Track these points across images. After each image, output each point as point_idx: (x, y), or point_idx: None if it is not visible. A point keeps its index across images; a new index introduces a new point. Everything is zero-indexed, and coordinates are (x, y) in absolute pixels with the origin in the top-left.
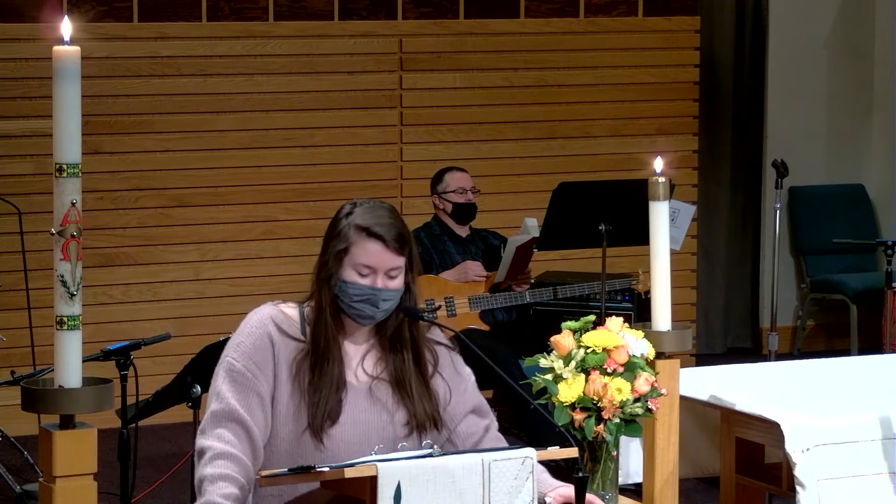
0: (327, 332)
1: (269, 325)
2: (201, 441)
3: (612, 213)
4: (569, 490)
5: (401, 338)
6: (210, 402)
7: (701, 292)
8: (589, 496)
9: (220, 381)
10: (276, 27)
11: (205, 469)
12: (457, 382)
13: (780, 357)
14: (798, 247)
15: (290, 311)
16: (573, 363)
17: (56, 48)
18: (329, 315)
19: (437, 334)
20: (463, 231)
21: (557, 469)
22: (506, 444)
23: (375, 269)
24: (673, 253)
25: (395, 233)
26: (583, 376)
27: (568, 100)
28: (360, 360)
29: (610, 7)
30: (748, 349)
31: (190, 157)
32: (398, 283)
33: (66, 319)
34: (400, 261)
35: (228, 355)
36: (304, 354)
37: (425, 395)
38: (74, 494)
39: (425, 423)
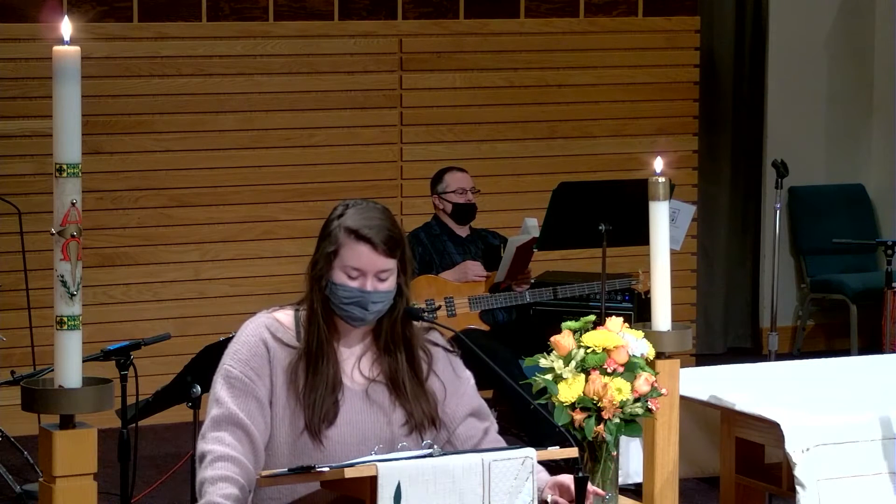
0: (320, 333)
1: (265, 332)
2: (202, 446)
3: (612, 213)
4: (563, 479)
5: (394, 338)
6: (210, 409)
7: (701, 292)
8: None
9: (219, 388)
10: (276, 27)
11: (205, 472)
12: (455, 385)
13: (780, 357)
14: (798, 247)
15: (285, 317)
16: (573, 363)
17: (56, 48)
18: (321, 317)
19: (436, 337)
20: (463, 231)
21: (557, 469)
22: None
23: (364, 271)
24: (673, 253)
25: (384, 235)
26: (583, 376)
27: (568, 100)
28: (355, 362)
29: (610, 7)
30: (748, 349)
31: (190, 157)
32: (388, 285)
33: (66, 319)
34: (390, 263)
35: (226, 363)
36: (299, 359)
37: (422, 396)
38: (74, 494)
39: (423, 423)
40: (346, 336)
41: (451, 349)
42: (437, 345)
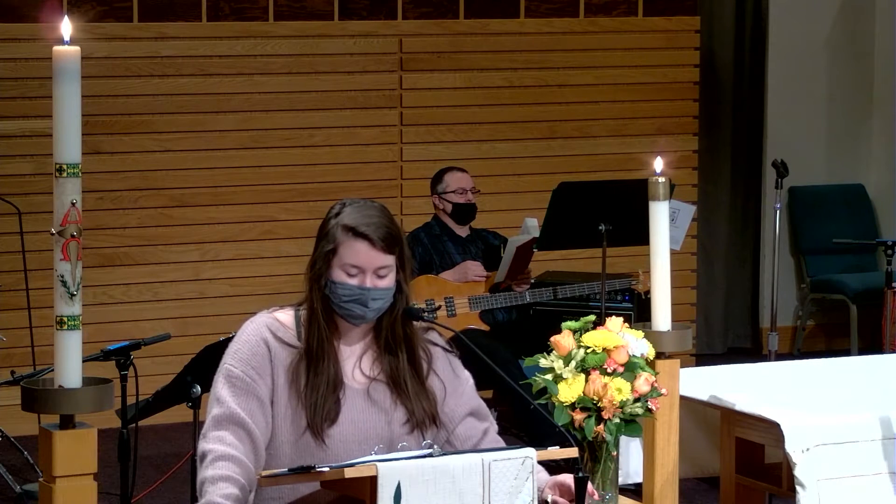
0: (320, 332)
1: (265, 332)
2: (203, 445)
3: (612, 213)
4: (563, 479)
5: (395, 337)
6: (211, 408)
7: (701, 292)
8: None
9: (220, 387)
10: (276, 27)
11: (206, 471)
12: (454, 384)
13: (780, 357)
14: (798, 247)
15: (285, 317)
16: (573, 363)
17: (56, 48)
18: (321, 316)
19: (435, 336)
20: (463, 231)
21: (557, 469)
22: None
23: (363, 268)
24: (673, 253)
25: (382, 232)
26: (583, 376)
27: (568, 100)
28: (356, 361)
29: (610, 7)
30: (748, 349)
31: (190, 157)
32: (387, 282)
33: (66, 319)
34: (388, 259)
35: (226, 363)
36: (300, 358)
37: (422, 394)
38: (74, 494)
39: (424, 421)
40: (347, 335)
41: (450, 349)
42: (436, 344)
